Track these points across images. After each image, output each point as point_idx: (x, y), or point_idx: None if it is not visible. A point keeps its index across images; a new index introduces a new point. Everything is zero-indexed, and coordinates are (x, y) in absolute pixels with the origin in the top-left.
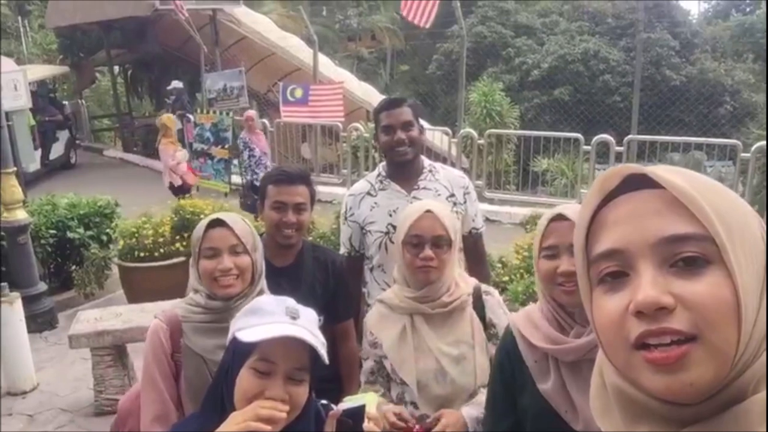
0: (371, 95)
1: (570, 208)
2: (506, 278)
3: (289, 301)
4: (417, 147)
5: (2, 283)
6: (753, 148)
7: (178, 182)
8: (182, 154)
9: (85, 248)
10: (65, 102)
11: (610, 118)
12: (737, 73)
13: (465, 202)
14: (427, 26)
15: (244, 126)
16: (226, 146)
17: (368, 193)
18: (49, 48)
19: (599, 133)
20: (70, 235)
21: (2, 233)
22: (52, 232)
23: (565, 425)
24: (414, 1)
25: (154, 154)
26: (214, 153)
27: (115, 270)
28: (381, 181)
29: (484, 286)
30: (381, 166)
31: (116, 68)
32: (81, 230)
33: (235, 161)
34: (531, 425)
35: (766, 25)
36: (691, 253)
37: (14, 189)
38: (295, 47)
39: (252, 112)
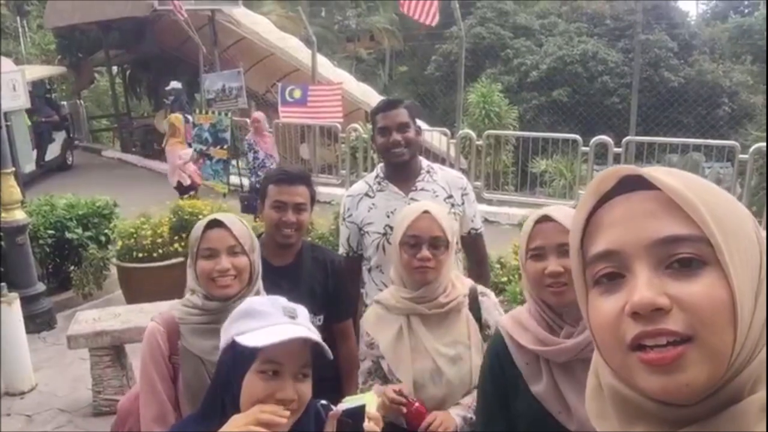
0: (370, 96)
1: (555, 209)
2: (505, 279)
3: (282, 300)
4: (413, 148)
5: (1, 284)
6: (751, 150)
7: (187, 181)
8: (190, 152)
9: (83, 249)
10: (64, 102)
11: (608, 120)
12: (735, 74)
13: (463, 203)
14: (434, 24)
15: (251, 127)
16: (225, 147)
17: (366, 195)
18: (47, 48)
19: (598, 134)
20: (68, 235)
21: (1, 233)
22: (51, 232)
23: (560, 426)
24: (413, 0)
25: (152, 154)
26: (213, 153)
27: (114, 270)
28: (379, 183)
29: (480, 288)
30: (379, 168)
31: (115, 68)
32: (79, 231)
33: (234, 162)
34: (525, 428)
35: (766, 26)
36: (687, 255)
37: (13, 189)
38: (294, 48)
39: (259, 114)
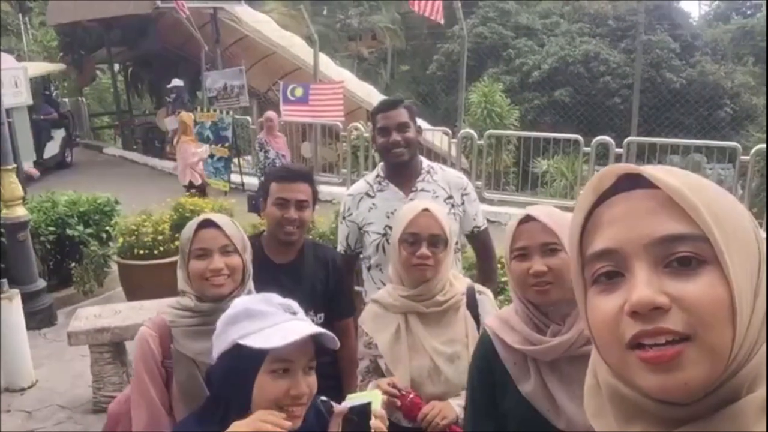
0: (372, 95)
1: (538, 208)
2: (505, 279)
3: (276, 297)
4: (413, 148)
5: (1, 280)
6: (752, 151)
7: (198, 181)
8: (204, 150)
9: (84, 246)
10: (66, 99)
11: (610, 120)
12: (737, 75)
13: (463, 203)
14: (441, 21)
15: (263, 126)
16: (226, 145)
17: (367, 194)
18: (49, 45)
19: (599, 134)
20: (69, 232)
21: (2, 230)
22: (52, 229)
23: (548, 425)
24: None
25: (153, 152)
26: (214, 152)
27: (115, 267)
28: (379, 183)
29: (477, 286)
30: (380, 167)
31: (117, 66)
32: (80, 228)
33: (235, 160)
34: (514, 428)
35: (766, 28)
36: (686, 253)
37: (14, 186)
38: (296, 46)
39: (272, 113)
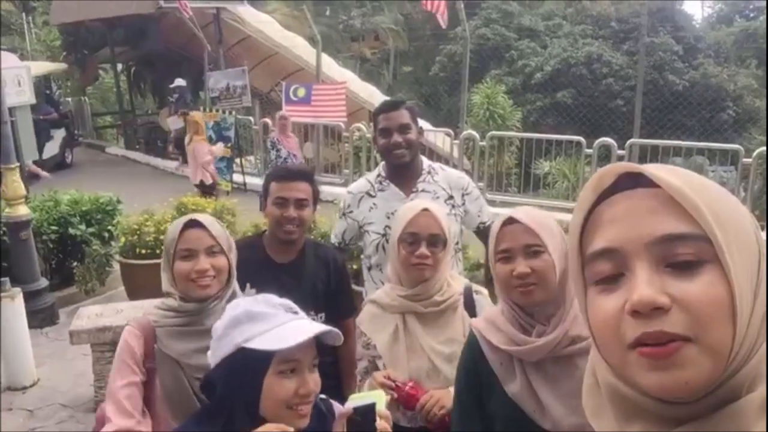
0: (374, 96)
1: (521, 210)
2: None
3: (274, 298)
4: (414, 149)
5: (3, 279)
6: (755, 154)
7: (209, 180)
8: (218, 148)
9: (86, 245)
10: (68, 99)
11: (612, 122)
12: (740, 78)
13: (464, 203)
14: (444, 22)
15: (276, 126)
16: (228, 145)
17: (367, 193)
18: (52, 45)
19: (601, 136)
20: (71, 231)
21: (4, 229)
22: (54, 228)
23: (535, 425)
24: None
25: (156, 151)
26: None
27: (117, 267)
28: (380, 182)
29: (474, 286)
30: (381, 166)
31: (119, 66)
32: (83, 227)
33: (237, 160)
34: (501, 428)
35: (767, 30)
36: (687, 253)
37: (17, 184)
38: (299, 47)
39: (285, 113)
